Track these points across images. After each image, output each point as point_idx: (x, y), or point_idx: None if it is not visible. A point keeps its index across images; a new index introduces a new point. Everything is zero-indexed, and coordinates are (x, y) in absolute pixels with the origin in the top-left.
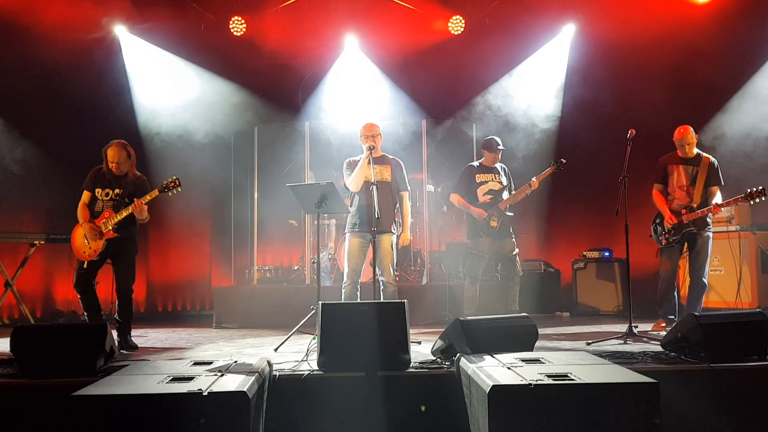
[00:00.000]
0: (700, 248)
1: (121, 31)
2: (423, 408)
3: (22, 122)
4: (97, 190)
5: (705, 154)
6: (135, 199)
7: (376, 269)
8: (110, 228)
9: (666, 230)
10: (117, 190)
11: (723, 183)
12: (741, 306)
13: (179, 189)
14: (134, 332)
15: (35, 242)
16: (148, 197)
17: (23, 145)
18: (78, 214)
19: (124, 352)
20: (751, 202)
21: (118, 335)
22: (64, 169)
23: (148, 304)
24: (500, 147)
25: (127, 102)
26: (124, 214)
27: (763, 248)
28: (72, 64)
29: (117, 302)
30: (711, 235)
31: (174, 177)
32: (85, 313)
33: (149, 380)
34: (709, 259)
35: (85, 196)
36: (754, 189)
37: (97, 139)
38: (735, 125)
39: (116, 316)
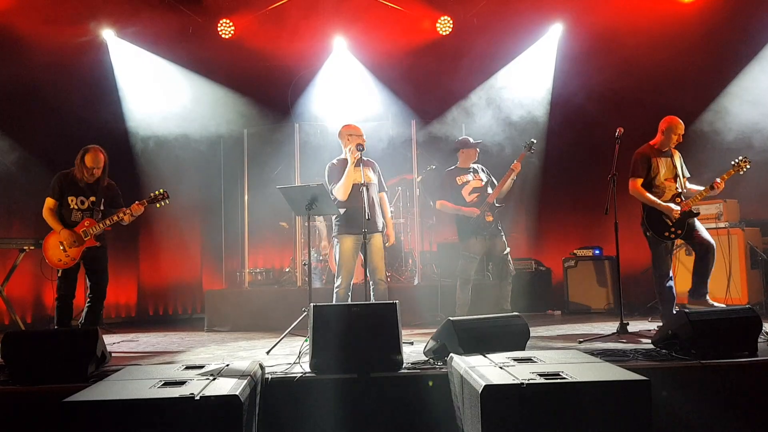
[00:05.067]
0: (699, 227)
1: (108, 34)
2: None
3: (8, 127)
4: (69, 198)
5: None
6: (133, 205)
7: (368, 268)
8: (91, 237)
9: (672, 223)
10: (92, 198)
11: (689, 174)
12: (731, 302)
13: (167, 201)
14: (125, 336)
15: (24, 248)
16: (135, 209)
17: (10, 151)
18: (49, 222)
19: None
20: (741, 172)
21: None
22: (52, 174)
23: (139, 309)
24: (476, 141)
25: (115, 106)
26: (108, 223)
27: (752, 244)
28: (59, 68)
29: (87, 307)
30: None
31: (162, 189)
32: (57, 321)
33: (141, 385)
34: None
35: (51, 203)
36: (740, 158)
37: (85, 144)
38: (721, 122)
39: (81, 321)
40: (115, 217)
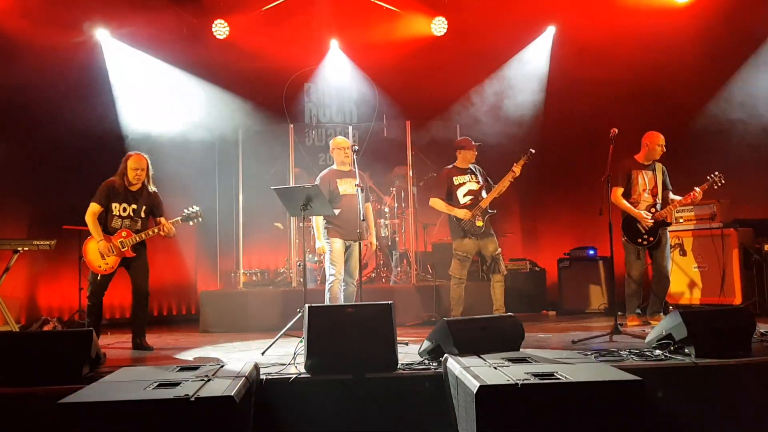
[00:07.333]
0: (665, 243)
1: (102, 34)
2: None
3: (2, 128)
4: (113, 205)
5: (657, 161)
6: (163, 221)
7: (346, 270)
8: (128, 248)
9: (645, 230)
10: (133, 206)
11: (671, 188)
12: (725, 302)
13: (200, 219)
14: (120, 338)
15: (18, 249)
16: (167, 228)
17: (3, 151)
18: (91, 229)
19: (143, 352)
20: (715, 187)
21: (133, 336)
22: (46, 174)
23: None
24: (476, 143)
25: (109, 106)
26: (144, 237)
27: (746, 245)
28: (52, 69)
29: (133, 304)
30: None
31: (196, 207)
32: (88, 320)
33: (136, 386)
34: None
35: (96, 208)
36: (714, 175)
37: (79, 144)
38: (715, 125)
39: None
40: (151, 232)
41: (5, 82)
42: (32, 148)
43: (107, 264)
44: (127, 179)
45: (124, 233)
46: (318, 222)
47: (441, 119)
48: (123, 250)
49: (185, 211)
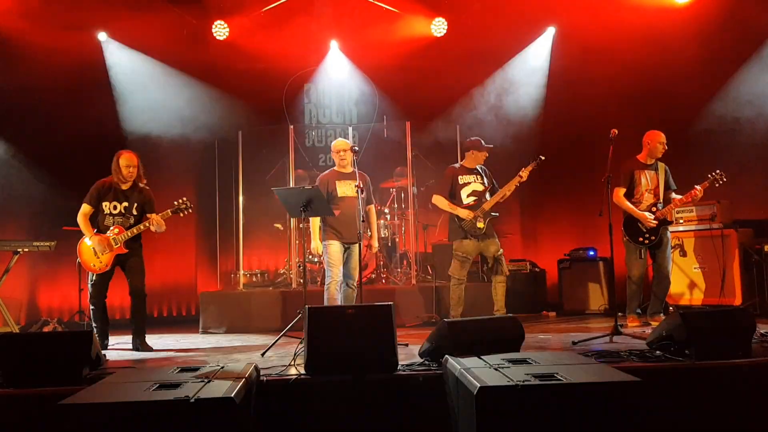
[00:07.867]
0: (667, 244)
1: (103, 35)
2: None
3: (3, 130)
4: (104, 203)
5: (659, 161)
6: (152, 216)
7: (344, 272)
8: (120, 244)
9: (646, 230)
10: (125, 203)
11: (675, 187)
12: (725, 303)
13: (190, 210)
14: (120, 339)
15: (18, 250)
16: (157, 220)
17: (3, 152)
18: (82, 227)
19: (143, 353)
20: (717, 185)
21: (133, 338)
22: (46, 175)
23: None
24: (487, 145)
25: (109, 107)
26: (135, 231)
27: (746, 245)
28: (53, 70)
29: (131, 305)
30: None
31: (184, 198)
32: (94, 325)
33: (136, 388)
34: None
35: (87, 208)
36: (715, 173)
37: (79, 145)
38: (715, 125)
39: (131, 318)
40: (142, 227)
41: (6, 83)
42: (32, 149)
43: (101, 262)
44: (120, 177)
45: (116, 230)
46: (314, 221)
47: (441, 120)
48: (115, 246)
49: (175, 203)
